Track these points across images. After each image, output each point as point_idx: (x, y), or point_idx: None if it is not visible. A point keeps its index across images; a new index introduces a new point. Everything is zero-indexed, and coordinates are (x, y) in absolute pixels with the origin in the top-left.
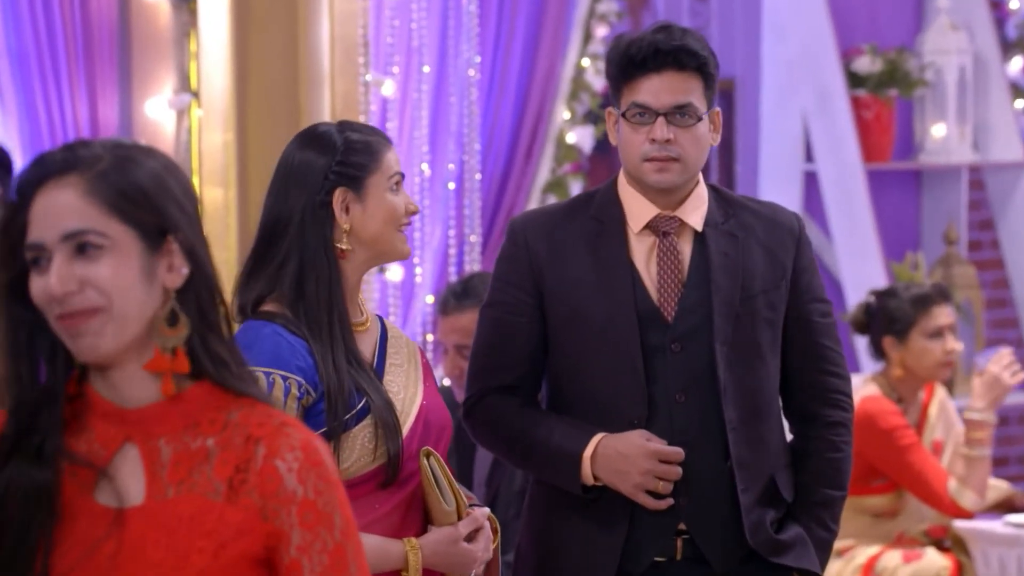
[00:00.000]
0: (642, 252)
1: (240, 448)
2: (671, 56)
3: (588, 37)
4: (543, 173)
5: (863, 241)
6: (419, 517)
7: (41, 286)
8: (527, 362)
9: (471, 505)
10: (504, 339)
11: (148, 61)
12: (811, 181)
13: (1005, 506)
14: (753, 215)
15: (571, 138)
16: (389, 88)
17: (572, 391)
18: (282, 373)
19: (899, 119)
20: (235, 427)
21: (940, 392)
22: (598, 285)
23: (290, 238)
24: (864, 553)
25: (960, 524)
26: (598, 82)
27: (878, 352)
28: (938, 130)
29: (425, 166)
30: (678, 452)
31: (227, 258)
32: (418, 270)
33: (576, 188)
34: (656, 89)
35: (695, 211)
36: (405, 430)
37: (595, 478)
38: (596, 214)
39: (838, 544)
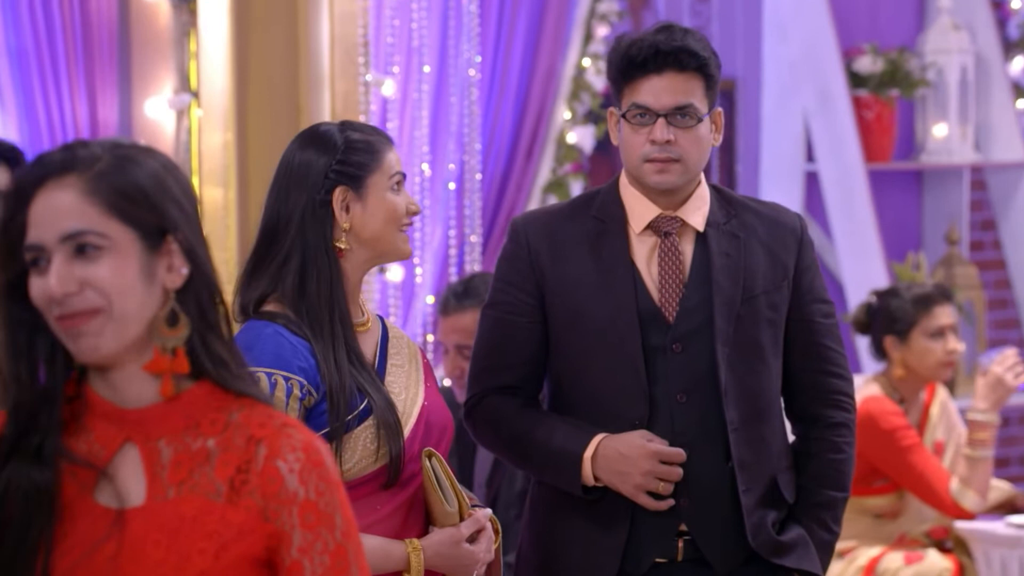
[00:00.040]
0: (643, 252)
1: (241, 449)
2: (671, 57)
3: (589, 37)
4: (544, 173)
5: (864, 241)
6: (421, 518)
7: (40, 287)
8: (528, 362)
9: (473, 506)
10: (505, 339)
11: (148, 61)
12: (812, 181)
13: (1007, 507)
14: (755, 215)
15: (572, 138)
16: (389, 88)
17: (573, 391)
18: (284, 374)
19: (900, 119)
20: (236, 428)
21: (941, 392)
22: (599, 285)
23: (291, 237)
24: (865, 554)
25: (961, 525)
26: (599, 82)
27: (879, 352)
28: (939, 130)
29: (425, 166)
30: (679, 453)
31: (227, 258)
32: (418, 270)
33: (577, 188)
34: (656, 90)
35: (697, 211)
36: (407, 431)
37: (595, 479)
38: (598, 214)
39: (839, 545)
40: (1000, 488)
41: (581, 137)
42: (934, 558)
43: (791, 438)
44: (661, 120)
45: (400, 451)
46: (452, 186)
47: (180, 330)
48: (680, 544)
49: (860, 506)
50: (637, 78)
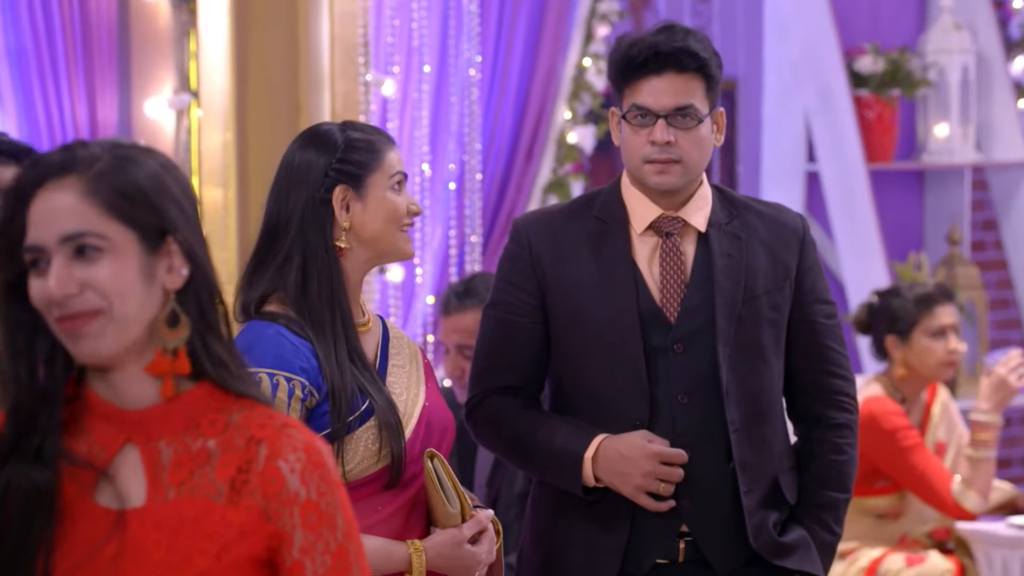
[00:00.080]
0: (645, 253)
1: (242, 449)
2: (671, 58)
3: (589, 37)
4: (544, 173)
5: (865, 242)
6: (422, 519)
7: (40, 288)
8: (529, 363)
9: (475, 507)
10: (506, 340)
11: (147, 61)
12: (813, 181)
13: (1008, 508)
14: (757, 216)
15: (572, 138)
16: (389, 88)
17: (574, 392)
18: (285, 374)
19: (902, 119)
20: (236, 428)
21: (942, 393)
22: (600, 285)
23: (291, 237)
24: (867, 556)
25: (963, 526)
26: (599, 82)
27: (880, 352)
28: (941, 130)
29: (426, 166)
30: (680, 454)
31: (227, 258)
32: (419, 271)
33: (577, 188)
34: (656, 91)
35: (698, 212)
36: (408, 431)
37: (596, 479)
38: (599, 214)
39: (841, 546)
40: (1001, 489)
41: (582, 137)
42: (935, 559)
43: (793, 439)
44: (661, 121)
45: (401, 452)
46: (452, 186)
47: (181, 331)
48: (681, 545)
49: (861, 506)
50: (637, 79)
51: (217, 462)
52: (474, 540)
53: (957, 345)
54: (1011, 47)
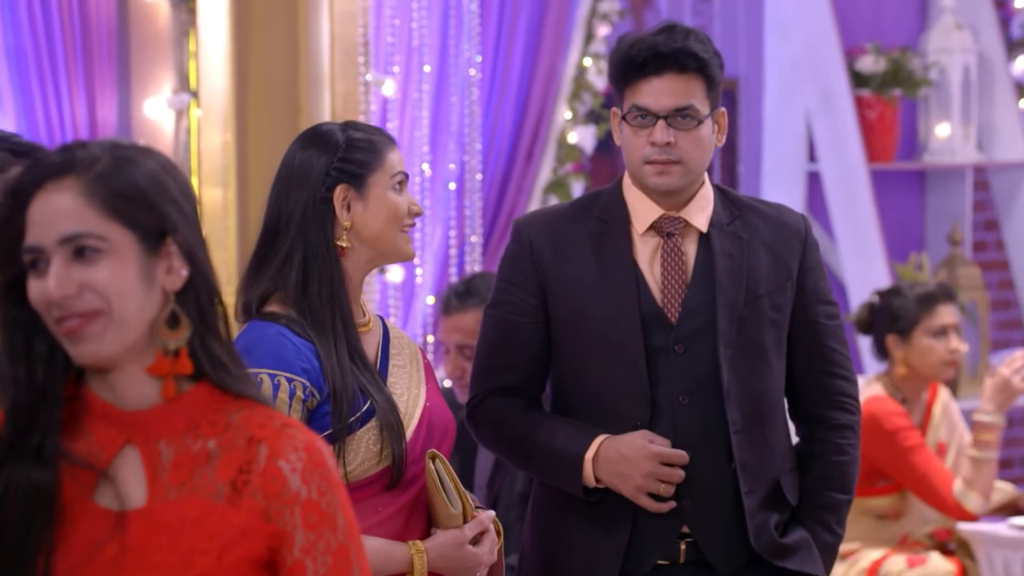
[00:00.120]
0: (646, 253)
1: (242, 450)
2: (671, 58)
3: (590, 36)
4: (544, 173)
5: (866, 242)
6: (423, 520)
7: (39, 289)
8: (531, 363)
9: (476, 508)
10: (507, 340)
11: (147, 61)
12: (814, 181)
13: (1009, 508)
14: (759, 216)
15: (573, 138)
16: (389, 88)
17: (575, 392)
18: (287, 375)
19: (903, 119)
20: (236, 429)
21: (943, 393)
22: (601, 286)
23: (291, 236)
24: (868, 557)
25: (964, 527)
26: (600, 82)
27: (881, 351)
28: (942, 130)
29: (426, 166)
30: (681, 455)
31: (226, 259)
32: (418, 271)
33: (578, 188)
34: (656, 91)
35: (700, 212)
36: (409, 432)
37: (597, 480)
38: (601, 214)
39: (842, 547)
40: (1003, 490)
41: (582, 137)
42: (937, 561)
43: (795, 440)
44: (661, 122)
45: (403, 452)
46: (452, 186)
47: (181, 332)
48: (682, 546)
49: (862, 507)
50: (637, 79)
51: (217, 463)
52: (475, 541)
53: (958, 345)
54: (1012, 47)
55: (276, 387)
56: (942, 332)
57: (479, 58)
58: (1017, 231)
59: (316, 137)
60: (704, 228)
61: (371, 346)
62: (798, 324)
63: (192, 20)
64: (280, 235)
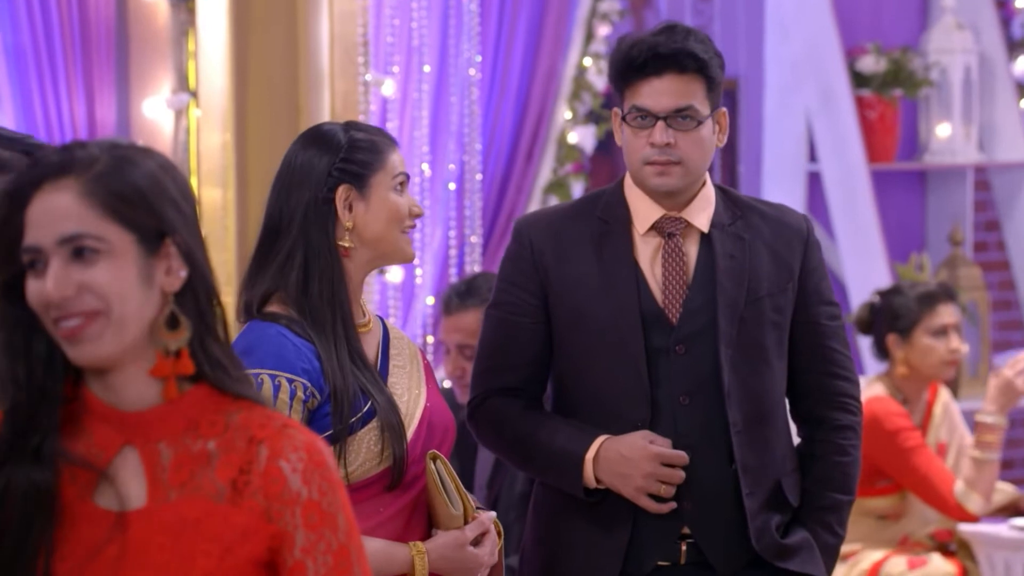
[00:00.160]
0: (647, 253)
1: (243, 450)
2: (671, 59)
3: (590, 36)
4: (544, 173)
5: (867, 242)
6: (423, 521)
7: (38, 290)
8: (531, 363)
9: (477, 508)
10: (508, 340)
11: (146, 60)
12: (815, 181)
13: (1010, 509)
14: (761, 217)
15: (573, 138)
16: (389, 88)
17: (576, 392)
18: (287, 375)
19: (904, 119)
20: (236, 429)
21: (944, 394)
22: (602, 286)
23: (293, 236)
24: (869, 558)
25: (965, 528)
26: (600, 82)
27: (881, 351)
28: (943, 130)
29: (425, 166)
30: (681, 456)
31: (225, 259)
32: (418, 271)
33: (578, 188)
34: (656, 92)
35: (702, 212)
36: (410, 433)
37: (597, 480)
38: (602, 215)
39: (843, 548)
40: (1004, 491)
41: (582, 137)
42: (938, 562)
43: (796, 441)
44: (660, 123)
45: (404, 453)
46: (452, 186)
47: (182, 332)
48: (683, 547)
49: (863, 507)
50: (637, 80)
51: (218, 463)
52: (476, 542)
53: (959, 344)
54: (1014, 47)
55: (277, 387)
56: (943, 331)
57: (479, 58)
58: (1018, 231)
59: (318, 137)
60: (705, 228)
61: (371, 347)
62: (800, 325)
63: (191, 20)
64: (281, 235)
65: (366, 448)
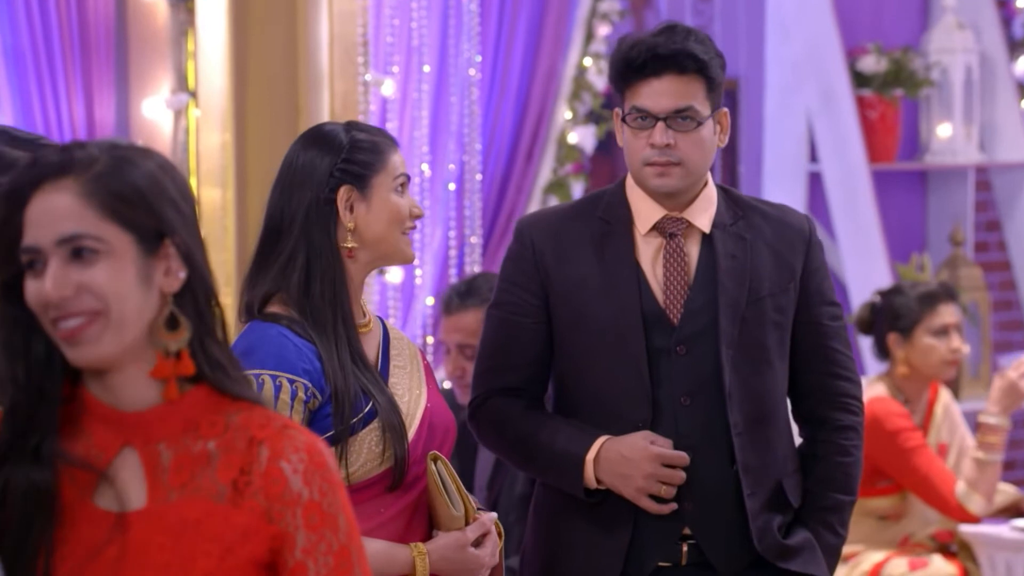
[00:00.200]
0: (649, 253)
1: (243, 451)
2: (671, 60)
3: (590, 36)
4: (544, 174)
5: (868, 242)
6: (424, 521)
7: (37, 290)
8: (533, 363)
9: (477, 509)
10: (510, 340)
11: (145, 61)
12: (815, 181)
13: (1011, 511)
14: (762, 217)
15: (573, 138)
16: (389, 88)
17: (577, 393)
18: (288, 376)
19: (904, 119)
20: (236, 430)
21: (945, 394)
22: (603, 286)
23: (294, 236)
24: (870, 559)
25: (966, 529)
26: (600, 82)
27: (882, 351)
28: (944, 130)
29: (425, 167)
30: (682, 456)
31: (225, 259)
32: (418, 272)
33: (578, 189)
34: (656, 93)
35: (703, 213)
36: (411, 433)
37: (598, 481)
38: (603, 215)
39: (844, 550)
40: (1005, 492)
41: (582, 137)
42: (939, 563)
43: (798, 441)
44: (660, 124)
45: (405, 454)
46: (452, 187)
47: (181, 333)
48: (684, 548)
49: (864, 508)
50: (637, 81)
51: (218, 464)
52: (477, 543)
53: (960, 344)
54: (1014, 47)
55: (278, 388)
56: (944, 331)
57: (479, 58)
58: (1019, 232)
59: (319, 137)
60: (707, 229)
61: (371, 347)
62: (801, 325)
63: (191, 20)
64: (283, 236)
65: (367, 449)
